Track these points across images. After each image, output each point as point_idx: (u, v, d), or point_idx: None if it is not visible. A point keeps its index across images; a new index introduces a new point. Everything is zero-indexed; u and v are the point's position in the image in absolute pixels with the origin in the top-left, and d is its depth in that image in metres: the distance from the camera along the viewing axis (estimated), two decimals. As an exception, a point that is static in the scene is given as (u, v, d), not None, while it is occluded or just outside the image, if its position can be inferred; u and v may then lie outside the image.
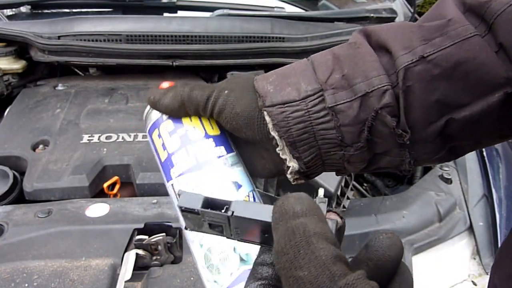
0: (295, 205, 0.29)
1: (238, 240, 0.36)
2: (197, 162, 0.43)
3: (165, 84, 0.49)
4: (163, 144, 0.45)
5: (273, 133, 0.41)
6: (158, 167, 0.47)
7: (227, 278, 0.39)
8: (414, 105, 0.38)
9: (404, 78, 0.38)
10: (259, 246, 0.37)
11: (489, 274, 0.89)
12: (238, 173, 0.45)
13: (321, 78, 0.41)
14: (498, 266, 0.47)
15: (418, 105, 0.38)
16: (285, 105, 0.40)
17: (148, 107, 0.48)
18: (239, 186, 0.44)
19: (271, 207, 0.33)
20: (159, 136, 0.46)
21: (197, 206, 0.34)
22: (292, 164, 0.42)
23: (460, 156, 0.44)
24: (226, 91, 0.44)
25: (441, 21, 0.39)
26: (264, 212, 0.33)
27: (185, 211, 0.35)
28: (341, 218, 0.32)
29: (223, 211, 0.34)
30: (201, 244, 0.41)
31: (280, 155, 0.42)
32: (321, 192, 0.39)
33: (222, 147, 0.45)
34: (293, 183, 0.46)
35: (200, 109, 0.44)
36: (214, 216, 0.34)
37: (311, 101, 0.40)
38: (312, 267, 0.26)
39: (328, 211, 0.32)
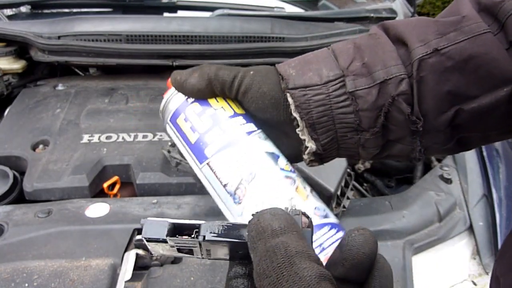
0: (272, 222, 0.29)
1: (209, 259, 0.35)
2: (232, 138, 0.44)
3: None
4: (191, 127, 0.45)
5: (295, 114, 0.43)
6: (186, 151, 0.46)
7: None
8: (427, 95, 0.40)
9: (418, 69, 0.40)
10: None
11: (489, 274, 0.89)
12: (272, 145, 0.46)
13: (342, 65, 0.43)
14: (501, 257, 0.48)
15: (430, 95, 0.40)
16: (307, 88, 0.43)
17: (168, 94, 0.48)
18: (277, 157, 0.44)
19: (244, 225, 0.32)
20: (186, 119, 0.46)
21: (163, 234, 0.33)
22: (310, 145, 0.44)
23: (468, 149, 0.46)
24: (251, 72, 0.46)
25: (456, 17, 0.41)
26: (236, 232, 0.32)
27: (151, 240, 0.33)
28: (308, 217, 0.32)
29: (192, 236, 0.32)
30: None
31: (300, 135, 0.44)
32: (293, 202, 0.39)
33: (252, 124, 0.46)
34: (307, 166, 0.47)
35: (226, 88, 0.45)
36: (183, 242, 0.33)
37: (332, 86, 0.42)
38: None
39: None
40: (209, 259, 0.35)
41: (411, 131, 0.42)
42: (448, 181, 1.03)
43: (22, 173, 0.98)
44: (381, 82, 0.41)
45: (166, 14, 1.57)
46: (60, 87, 1.30)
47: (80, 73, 1.44)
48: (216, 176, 0.43)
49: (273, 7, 1.70)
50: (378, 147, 0.44)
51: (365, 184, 1.19)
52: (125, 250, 0.75)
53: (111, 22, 1.29)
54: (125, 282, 0.69)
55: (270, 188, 0.41)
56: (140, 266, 0.74)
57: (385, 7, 1.51)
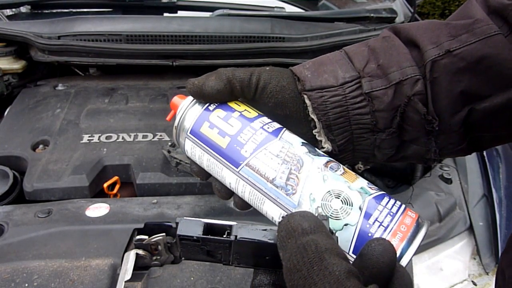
0: (302, 222, 0.30)
1: (235, 266, 0.36)
2: (268, 133, 0.43)
3: (179, 98, 0.48)
4: (219, 132, 0.44)
5: (313, 116, 0.44)
6: (216, 159, 0.44)
7: (358, 213, 0.38)
8: (440, 96, 0.41)
9: (431, 70, 0.41)
10: (358, 179, 0.38)
11: (489, 274, 0.89)
12: (301, 138, 0.45)
13: (358, 67, 0.44)
14: (507, 250, 0.48)
15: (444, 95, 0.41)
16: (324, 90, 0.43)
17: (183, 108, 0.47)
18: (312, 145, 0.44)
19: (273, 227, 0.33)
20: (211, 126, 0.44)
21: (197, 232, 0.34)
22: (327, 146, 0.45)
23: (481, 150, 0.47)
24: (267, 68, 0.46)
25: (468, 20, 0.42)
26: (266, 233, 0.33)
27: (184, 239, 0.34)
28: (333, 233, 0.33)
29: (224, 236, 0.34)
30: (312, 199, 0.40)
31: (317, 136, 0.45)
32: (319, 209, 0.39)
33: (277, 123, 0.46)
34: None
35: (245, 85, 0.45)
36: (215, 242, 0.34)
37: (348, 87, 0.43)
38: (327, 283, 0.27)
39: None
40: (235, 266, 0.36)
41: (427, 131, 0.42)
42: (448, 181, 1.03)
43: (22, 173, 0.98)
44: (397, 83, 0.42)
45: (166, 14, 1.57)
46: (60, 87, 1.30)
47: (80, 73, 1.44)
48: (260, 174, 0.42)
49: (273, 7, 1.70)
50: (393, 148, 0.45)
51: (365, 184, 1.18)
52: (125, 250, 0.75)
53: (111, 22, 1.29)
54: (125, 282, 0.69)
55: (322, 171, 0.41)
56: (140, 266, 0.74)
57: (385, 7, 1.51)
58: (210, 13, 1.43)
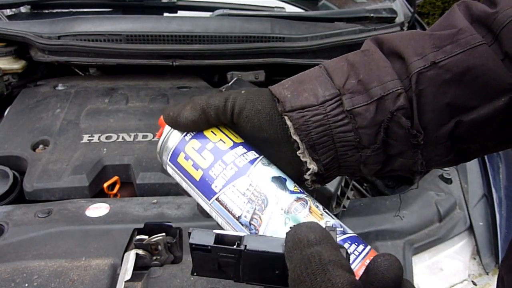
0: (309, 234, 0.30)
1: (245, 282, 0.36)
2: (238, 169, 0.43)
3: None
4: (193, 164, 0.45)
5: (295, 137, 0.43)
6: (192, 190, 0.46)
7: None
8: (427, 108, 0.41)
9: (417, 82, 0.40)
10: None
11: (489, 274, 0.89)
12: (276, 169, 0.45)
13: (338, 84, 0.43)
14: (506, 257, 0.48)
15: (430, 107, 0.40)
16: (305, 109, 0.42)
17: (164, 134, 0.47)
18: (284, 180, 0.44)
19: (282, 238, 0.33)
20: (187, 158, 0.45)
21: (210, 242, 0.34)
22: (312, 166, 0.44)
23: (468, 160, 0.46)
24: (243, 91, 0.45)
25: (451, 30, 0.41)
26: (275, 244, 0.33)
27: (196, 249, 0.35)
28: (341, 246, 0.33)
29: (235, 246, 0.34)
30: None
31: (301, 157, 0.44)
32: (329, 223, 0.39)
33: (253, 151, 0.45)
34: (310, 188, 0.47)
35: (220, 112, 0.44)
36: (226, 251, 0.34)
37: (329, 105, 0.42)
38: None
39: None
40: (245, 282, 0.36)
41: (412, 145, 0.42)
42: (448, 181, 1.03)
43: (22, 173, 0.98)
44: (378, 98, 0.41)
45: (166, 14, 1.57)
46: (60, 87, 1.30)
47: (80, 73, 1.44)
48: (228, 210, 0.43)
49: (273, 7, 1.70)
50: (379, 163, 0.44)
51: (365, 184, 1.19)
52: (125, 250, 0.75)
53: (111, 22, 1.29)
54: (125, 282, 0.69)
55: (284, 213, 0.41)
56: (140, 266, 0.74)
57: (385, 7, 1.51)
58: (210, 13, 1.43)
